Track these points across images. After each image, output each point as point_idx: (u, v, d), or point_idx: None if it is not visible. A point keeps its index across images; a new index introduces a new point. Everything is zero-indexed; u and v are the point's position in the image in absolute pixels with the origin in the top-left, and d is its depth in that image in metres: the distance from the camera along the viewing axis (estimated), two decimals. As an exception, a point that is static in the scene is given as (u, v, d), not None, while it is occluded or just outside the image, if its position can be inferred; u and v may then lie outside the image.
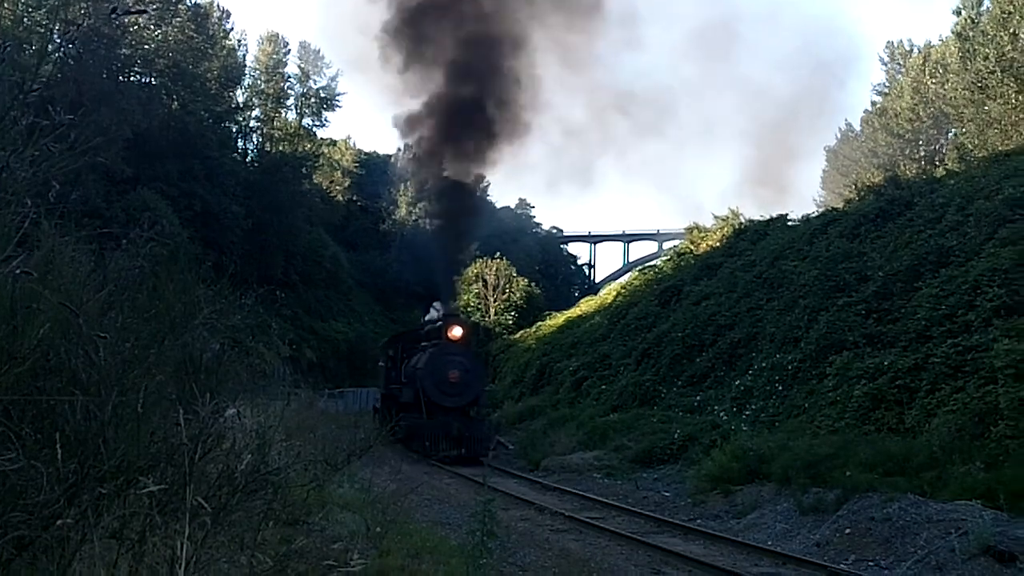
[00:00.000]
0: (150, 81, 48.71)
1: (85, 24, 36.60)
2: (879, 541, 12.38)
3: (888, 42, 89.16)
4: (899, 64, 57.78)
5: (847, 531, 13.00)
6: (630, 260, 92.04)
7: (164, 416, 4.56)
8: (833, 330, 21.22)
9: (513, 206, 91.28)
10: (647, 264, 54.15)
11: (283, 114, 65.50)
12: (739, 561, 12.27)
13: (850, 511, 13.51)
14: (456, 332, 27.67)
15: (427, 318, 39.23)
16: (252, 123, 63.32)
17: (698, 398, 24.62)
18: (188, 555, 3.90)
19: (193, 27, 50.78)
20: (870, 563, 11.95)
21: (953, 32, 46.91)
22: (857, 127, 61.23)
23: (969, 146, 35.87)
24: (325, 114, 69.26)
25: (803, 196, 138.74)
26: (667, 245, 70.19)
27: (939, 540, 11.52)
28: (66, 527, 3.75)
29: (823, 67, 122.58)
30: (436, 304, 47.36)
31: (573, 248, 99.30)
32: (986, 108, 34.17)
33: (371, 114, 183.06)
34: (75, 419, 3.99)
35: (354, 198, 77.29)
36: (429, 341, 28.90)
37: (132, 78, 47.30)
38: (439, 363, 26.58)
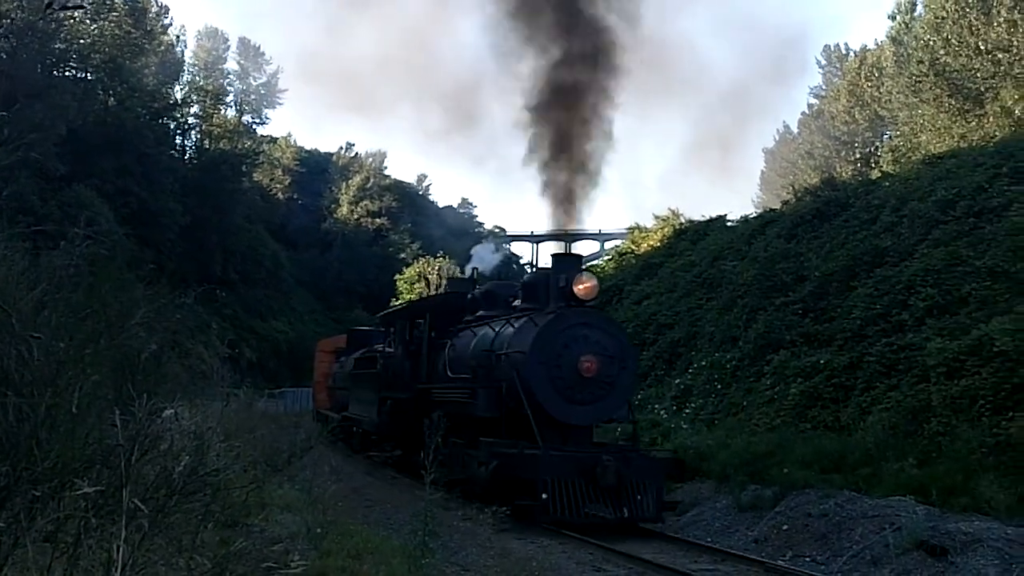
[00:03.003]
0: (86, 76, 47.93)
1: (18, 18, 35.85)
2: (816, 537, 12.55)
3: (825, 45, 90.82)
4: (836, 67, 58.83)
5: (784, 527, 13.16)
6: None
7: (100, 417, 4.49)
8: (771, 329, 21.47)
9: (456, 205, 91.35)
10: (589, 264, 54.40)
11: (222, 111, 64.87)
12: (678, 558, 12.35)
13: (787, 508, 13.67)
14: (589, 284, 15.42)
15: (476, 269, 25.01)
16: (190, 120, 62.61)
17: (639, 396, 24.74)
18: (125, 558, 3.85)
19: (130, 22, 50.06)
20: (807, 558, 12.11)
21: (888, 36, 47.94)
22: (795, 129, 62.25)
23: (903, 148, 36.54)
24: (265, 111, 68.75)
25: (749, 174, 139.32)
26: (608, 245, 70.77)
27: (874, 535, 11.71)
28: (-2, 531, 3.68)
29: (780, 45, 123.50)
30: (483, 245, 35.81)
31: (516, 248, 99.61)
32: (919, 111, 34.85)
33: (312, 111, 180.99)
34: (7, 420, 3.91)
35: (294, 196, 76.79)
36: (512, 310, 17.27)
37: (67, 73, 46.50)
38: (560, 342, 14.78)
